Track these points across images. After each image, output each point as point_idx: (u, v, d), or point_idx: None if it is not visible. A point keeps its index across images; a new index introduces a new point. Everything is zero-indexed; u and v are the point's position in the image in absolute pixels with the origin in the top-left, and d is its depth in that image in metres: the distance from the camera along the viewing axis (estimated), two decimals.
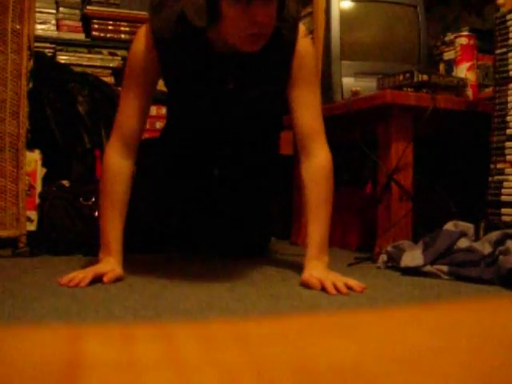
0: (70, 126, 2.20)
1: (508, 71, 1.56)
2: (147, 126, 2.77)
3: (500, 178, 1.56)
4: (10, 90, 1.77)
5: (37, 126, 2.01)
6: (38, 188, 1.91)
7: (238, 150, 1.66)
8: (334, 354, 0.39)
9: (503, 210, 1.54)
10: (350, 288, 1.17)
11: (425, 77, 1.70)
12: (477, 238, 1.48)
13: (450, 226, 1.52)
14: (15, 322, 0.87)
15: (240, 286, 1.22)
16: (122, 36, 3.14)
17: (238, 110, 1.48)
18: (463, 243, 1.42)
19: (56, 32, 3.02)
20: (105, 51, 3.09)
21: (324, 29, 2.04)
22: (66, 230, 1.77)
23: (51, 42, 2.97)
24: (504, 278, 1.25)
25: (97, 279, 1.20)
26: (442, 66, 2.22)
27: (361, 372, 0.36)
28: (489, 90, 1.84)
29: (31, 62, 1.85)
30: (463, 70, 1.86)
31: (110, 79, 2.97)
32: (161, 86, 1.54)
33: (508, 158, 1.55)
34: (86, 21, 3.11)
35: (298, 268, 1.35)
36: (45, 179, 1.96)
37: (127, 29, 3.15)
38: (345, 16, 1.99)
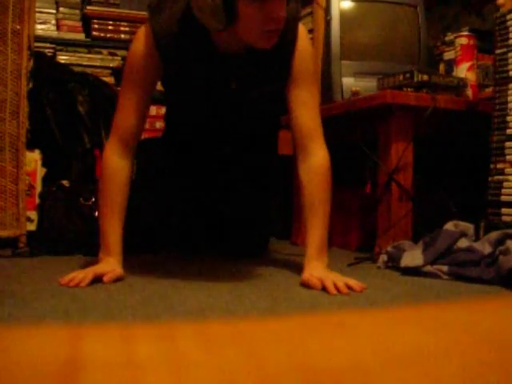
0: (70, 125, 2.20)
1: (508, 71, 1.56)
2: (147, 126, 2.77)
3: (500, 177, 1.56)
4: (10, 90, 1.77)
5: (37, 126, 2.01)
6: (38, 188, 1.91)
7: (237, 150, 1.67)
8: (334, 353, 0.39)
9: (503, 210, 1.54)
10: (350, 288, 1.17)
11: (425, 77, 1.70)
12: (477, 238, 1.48)
13: (450, 225, 1.52)
14: (15, 322, 0.87)
15: (240, 286, 1.22)
16: (122, 36, 3.14)
17: (240, 110, 1.48)
18: (463, 243, 1.42)
19: (56, 32, 3.02)
20: (105, 51, 3.09)
21: (324, 29, 2.04)
22: (66, 230, 1.77)
23: (51, 42, 2.97)
24: (504, 277, 1.25)
25: (97, 279, 1.20)
26: (441, 66, 2.22)
27: (360, 372, 0.36)
28: (489, 90, 1.84)
29: (31, 62, 1.85)
30: (463, 70, 1.86)
31: (110, 79, 2.97)
32: (160, 85, 1.54)
33: (508, 157, 1.55)
34: (86, 21, 3.11)
35: (298, 268, 1.35)
36: (45, 179, 1.96)
37: (127, 29, 3.15)
38: (345, 16, 1.99)
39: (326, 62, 2.00)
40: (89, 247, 1.60)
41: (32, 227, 1.84)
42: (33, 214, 1.86)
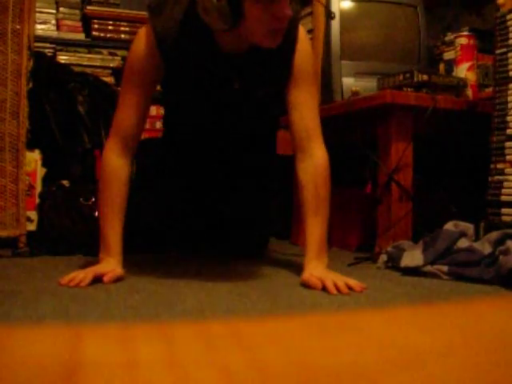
0: (69, 125, 2.20)
1: (508, 71, 1.56)
2: (147, 126, 2.77)
3: (500, 178, 1.56)
4: (10, 90, 1.77)
5: (37, 126, 2.01)
6: (38, 188, 1.91)
7: (237, 150, 1.67)
8: (333, 353, 0.39)
9: (503, 210, 1.53)
10: (350, 288, 1.17)
11: (425, 77, 1.70)
12: (477, 238, 1.48)
13: (450, 225, 1.52)
14: (15, 322, 0.87)
15: (240, 286, 1.22)
16: (122, 36, 3.14)
17: (240, 110, 1.49)
18: (463, 243, 1.42)
19: (56, 32, 3.02)
20: (105, 51, 3.09)
21: (324, 29, 2.04)
22: (66, 230, 1.77)
23: (51, 42, 2.97)
24: (504, 277, 1.25)
25: (97, 279, 1.20)
26: (441, 66, 2.22)
27: (360, 372, 0.36)
28: (489, 90, 1.84)
29: (31, 62, 1.85)
30: (463, 70, 1.86)
31: (110, 79, 2.97)
32: (159, 86, 1.54)
33: (508, 157, 1.55)
34: (86, 21, 3.11)
35: (298, 268, 1.35)
36: (45, 179, 1.96)
37: (127, 29, 3.15)
38: (345, 16, 1.99)
39: (326, 62, 2.00)
40: (89, 247, 1.60)
41: (32, 227, 1.84)
42: (33, 214, 1.86)
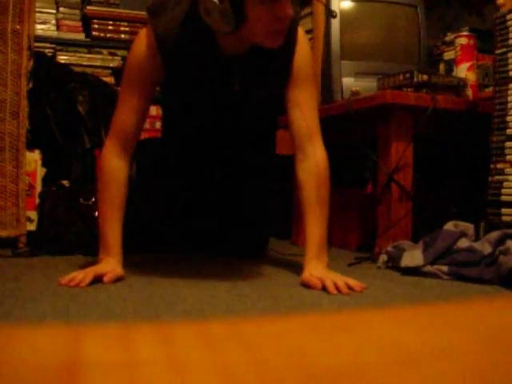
0: (70, 125, 2.20)
1: (508, 71, 1.56)
2: (147, 126, 2.77)
3: (500, 178, 1.56)
4: (10, 90, 1.77)
5: (37, 126, 2.01)
6: (38, 188, 1.91)
7: (237, 150, 1.67)
8: (334, 353, 0.39)
9: (503, 210, 1.53)
10: (350, 288, 1.17)
11: (425, 77, 1.70)
12: (477, 238, 1.48)
13: (450, 225, 1.52)
14: (15, 322, 0.87)
15: (240, 286, 1.22)
16: (122, 36, 3.14)
17: (240, 111, 1.49)
18: (463, 243, 1.42)
19: (56, 32, 3.02)
20: (105, 51, 3.09)
21: (324, 29, 2.04)
22: (66, 230, 1.77)
23: (51, 42, 2.97)
24: (504, 277, 1.25)
25: (97, 279, 1.20)
26: (441, 66, 2.22)
27: (361, 372, 0.36)
28: (489, 90, 1.83)
29: (31, 62, 1.85)
30: (463, 70, 1.86)
31: (110, 79, 2.98)
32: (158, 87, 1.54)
33: (508, 157, 1.55)
34: (86, 21, 3.11)
35: (298, 268, 1.35)
36: (45, 179, 1.96)
37: (127, 29, 3.16)
38: (345, 16, 1.99)
39: (326, 62, 2.00)
40: (89, 247, 1.60)
41: (32, 227, 1.84)
42: (33, 214, 1.86)
